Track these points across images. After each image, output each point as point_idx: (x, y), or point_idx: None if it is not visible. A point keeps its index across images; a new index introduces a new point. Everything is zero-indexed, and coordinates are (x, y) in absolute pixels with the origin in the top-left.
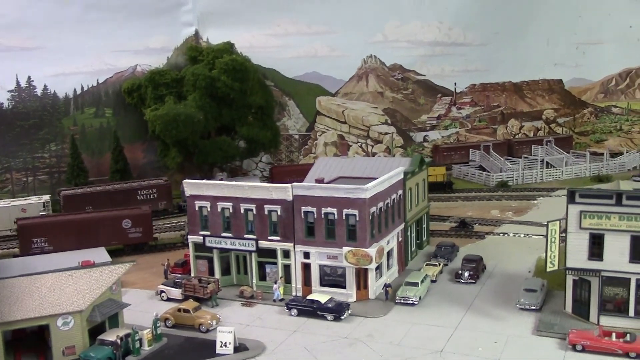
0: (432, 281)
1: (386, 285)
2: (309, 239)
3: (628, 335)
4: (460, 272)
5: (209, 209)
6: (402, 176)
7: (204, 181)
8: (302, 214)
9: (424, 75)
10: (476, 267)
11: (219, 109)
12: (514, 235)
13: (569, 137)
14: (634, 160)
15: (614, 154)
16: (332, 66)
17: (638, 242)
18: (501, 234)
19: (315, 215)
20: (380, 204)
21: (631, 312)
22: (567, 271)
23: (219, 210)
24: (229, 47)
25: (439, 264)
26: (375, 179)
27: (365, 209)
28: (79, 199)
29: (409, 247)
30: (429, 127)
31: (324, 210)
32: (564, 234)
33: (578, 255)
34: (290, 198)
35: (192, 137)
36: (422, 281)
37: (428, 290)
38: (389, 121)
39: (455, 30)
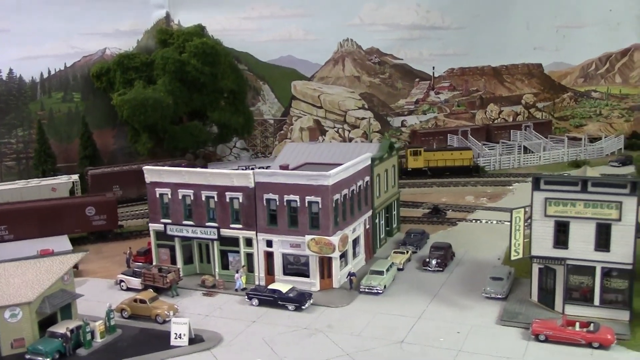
0: (399, 269)
1: (350, 274)
2: (272, 226)
3: (592, 324)
4: (427, 260)
5: (169, 197)
6: (369, 162)
7: (164, 167)
8: (265, 202)
9: (402, 60)
10: (444, 254)
11: (190, 93)
12: (486, 222)
13: (548, 122)
14: (612, 145)
15: (593, 139)
16: (307, 50)
17: (603, 229)
18: (473, 221)
19: (278, 203)
20: (345, 191)
21: (596, 301)
22: (532, 259)
23: (180, 197)
24: (199, 30)
25: (407, 252)
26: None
27: (328, 196)
28: (107, 178)
29: (378, 235)
30: (406, 112)
31: (286, 197)
32: (529, 222)
33: (543, 243)
34: (252, 185)
35: (161, 122)
36: (387, 270)
37: (394, 279)
38: (366, 106)
39: (434, 13)
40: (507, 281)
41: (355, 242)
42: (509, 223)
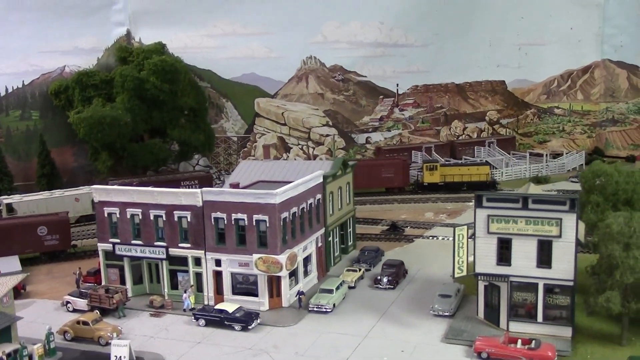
0: (351, 287)
1: (299, 293)
2: (220, 245)
3: (533, 341)
4: (379, 277)
5: (118, 216)
6: (320, 180)
7: (112, 187)
8: (213, 220)
9: (365, 77)
10: (396, 272)
11: (149, 111)
12: (443, 239)
13: (512, 138)
14: (573, 161)
15: (555, 155)
16: (270, 67)
17: (545, 246)
18: (430, 237)
19: (226, 222)
20: (294, 209)
21: (540, 318)
22: (476, 277)
23: (129, 216)
24: (160, 48)
25: (360, 270)
26: None
27: (276, 215)
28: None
29: (332, 252)
30: (371, 129)
31: (234, 216)
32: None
33: (487, 261)
34: (200, 204)
35: (120, 140)
36: (337, 288)
37: (345, 297)
38: (330, 123)
39: (397, 31)
40: (455, 298)
41: (307, 260)
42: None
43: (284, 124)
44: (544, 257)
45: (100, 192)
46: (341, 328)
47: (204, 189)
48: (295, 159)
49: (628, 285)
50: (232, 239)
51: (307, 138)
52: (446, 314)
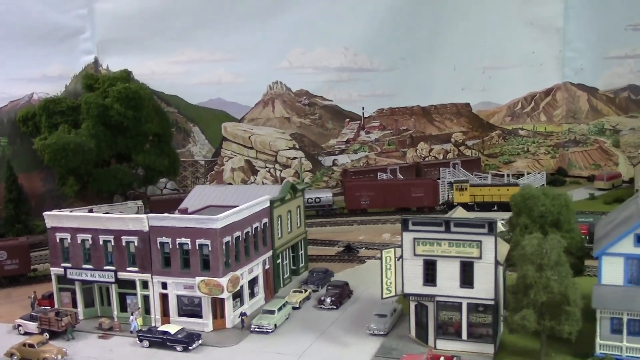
0: (296, 308)
1: (242, 314)
2: (166, 269)
3: (455, 358)
4: (323, 298)
5: (69, 241)
6: (267, 204)
7: (64, 212)
8: (159, 245)
9: (331, 101)
10: (340, 293)
11: (114, 137)
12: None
13: (477, 159)
14: (535, 182)
15: (518, 176)
16: (237, 92)
17: (467, 267)
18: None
19: (171, 246)
20: (238, 233)
21: (464, 336)
22: (404, 297)
23: (79, 242)
24: (125, 75)
25: (306, 291)
26: None
27: (217, 239)
28: (167, 205)
29: (281, 274)
30: (337, 151)
31: (178, 240)
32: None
33: (414, 281)
34: (146, 229)
35: (84, 165)
36: (279, 309)
37: (288, 318)
38: (297, 146)
39: (361, 56)
40: (391, 318)
41: (254, 282)
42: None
43: (251, 148)
44: (467, 277)
45: (52, 218)
46: (279, 348)
47: (150, 214)
48: (262, 182)
49: (543, 303)
50: (177, 262)
51: (274, 161)
52: (381, 332)
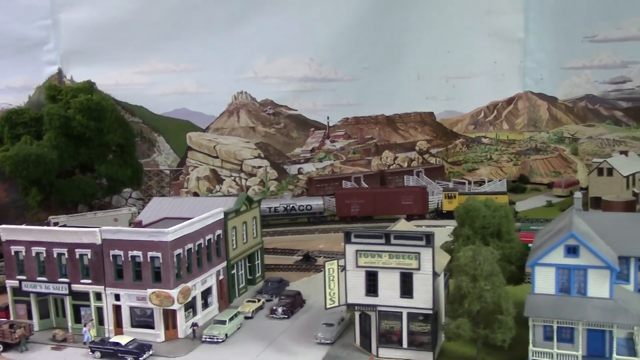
0: (248, 317)
1: (193, 324)
2: (119, 281)
3: None
4: (274, 307)
5: (24, 254)
6: (221, 216)
7: (18, 226)
8: (111, 257)
9: (296, 110)
10: (292, 302)
11: (76, 147)
12: None
13: (441, 167)
14: (496, 189)
15: (480, 183)
16: (202, 102)
17: (406, 278)
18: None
19: (123, 258)
20: (190, 245)
21: (405, 344)
22: (348, 307)
23: (34, 254)
24: (88, 86)
25: (259, 300)
26: None
27: (168, 252)
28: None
29: (236, 284)
30: (303, 160)
31: (130, 253)
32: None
33: (356, 292)
34: (99, 242)
35: (46, 176)
36: (231, 319)
37: (240, 327)
38: (262, 155)
39: (326, 66)
40: (338, 327)
41: (207, 292)
42: None
43: (216, 157)
44: (406, 288)
45: (6, 231)
46: (229, 357)
47: (103, 227)
48: (228, 190)
49: (478, 312)
50: (129, 274)
51: (240, 170)
52: (328, 341)
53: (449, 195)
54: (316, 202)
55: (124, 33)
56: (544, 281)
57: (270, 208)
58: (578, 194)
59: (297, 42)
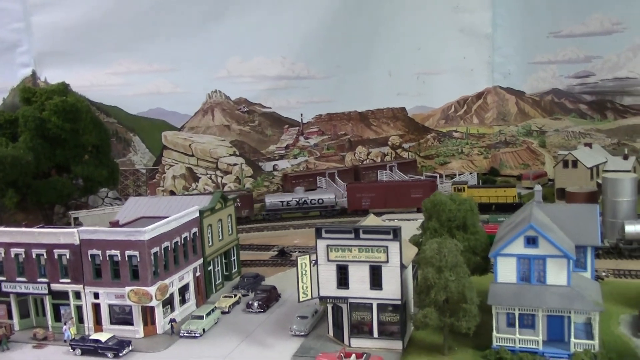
0: (225, 312)
1: (171, 320)
2: (97, 280)
3: (364, 355)
4: (250, 302)
5: (3, 255)
6: (196, 215)
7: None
8: (89, 257)
9: (270, 108)
10: (267, 296)
11: (52, 149)
12: None
13: (413, 161)
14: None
15: (452, 176)
16: (176, 102)
17: (375, 271)
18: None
19: (101, 258)
20: (167, 244)
21: (375, 334)
22: (320, 300)
23: (13, 255)
24: (62, 88)
25: (236, 295)
26: None
27: (146, 250)
28: None
29: (213, 280)
30: (278, 157)
31: (108, 252)
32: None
33: (328, 285)
34: (77, 242)
35: (22, 178)
36: (208, 314)
37: (217, 322)
38: (237, 152)
39: (299, 64)
40: (312, 319)
41: (184, 289)
42: None
43: (192, 155)
44: (376, 280)
45: None
46: (206, 351)
47: (81, 228)
48: (204, 188)
49: (444, 301)
50: (107, 273)
51: (215, 168)
52: (302, 333)
53: (458, 188)
54: (328, 196)
55: (98, 34)
56: (506, 271)
57: (282, 202)
58: (538, 187)
59: (270, 41)
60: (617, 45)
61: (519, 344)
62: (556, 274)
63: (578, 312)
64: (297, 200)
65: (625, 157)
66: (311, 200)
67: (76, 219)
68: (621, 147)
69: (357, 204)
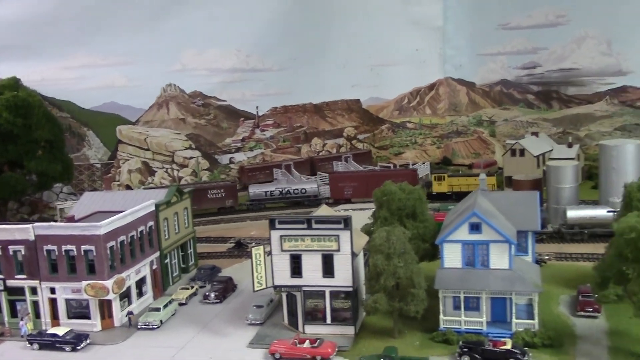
0: (182, 304)
1: (129, 313)
2: (54, 275)
3: (317, 340)
4: (207, 293)
5: None
6: (152, 209)
7: None
8: (45, 252)
9: (225, 101)
10: (224, 287)
11: (4, 145)
12: None
13: (368, 152)
14: (421, 171)
15: (405, 166)
16: (130, 96)
17: (327, 259)
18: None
19: (57, 253)
20: (122, 237)
21: (328, 320)
22: (275, 289)
23: None
24: (13, 83)
25: (193, 287)
26: None
27: (101, 244)
28: None
29: (170, 273)
30: (234, 150)
31: (64, 247)
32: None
33: (282, 274)
34: (32, 238)
35: None
36: (165, 306)
37: (174, 313)
38: (193, 146)
39: (253, 57)
40: (267, 308)
41: (141, 282)
42: None
43: (147, 149)
44: (328, 268)
45: None
46: (164, 342)
47: (36, 224)
48: (160, 182)
49: (393, 287)
50: (63, 268)
51: (171, 161)
52: (258, 322)
53: (439, 177)
54: (310, 186)
55: (49, 28)
56: (452, 256)
57: (266, 192)
58: (482, 176)
59: (224, 33)
60: (561, 37)
61: (465, 325)
62: (499, 259)
63: (519, 293)
64: (281, 190)
65: (570, 145)
66: (294, 190)
67: (62, 210)
68: (566, 135)
69: (340, 194)
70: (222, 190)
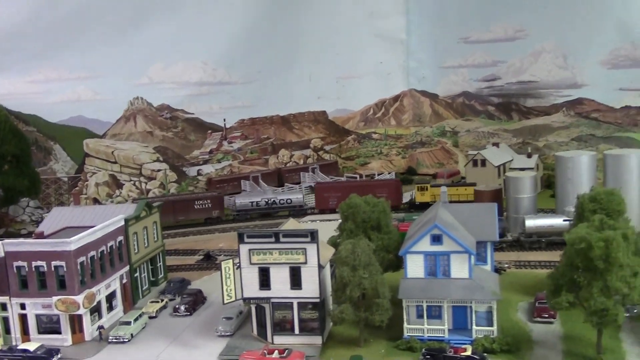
0: (152, 317)
1: (99, 327)
2: (24, 291)
3: (287, 350)
4: (177, 306)
5: None
6: (122, 223)
7: None
8: (15, 269)
9: (193, 114)
10: (194, 300)
11: None
12: None
13: (335, 163)
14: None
15: (372, 176)
16: (97, 109)
17: (295, 271)
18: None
19: (27, 269)
20: (93, 253)
21: (296, 330)
22: (244, 301)
23: None
24: None
25: (163, 300)
26: None
27: (72, 260)
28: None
29: (140, 286)
30: (202, 162)
31: (34, 263)
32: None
33: (251, 287)
34: (2, 254)
35: None
36: (135, 319)
37: (145, 327)
38: (161, 158)
39: (220, 70)
40: (237, 319)
41: (112, 296)
42: None
43: (115, 162)
44: (295, 280)
45: None
46: (135, 355)
47: (5, 240)
48: (128, 195)
49: (359, 297)
50: (34, 284)
51: (139, 174)
52: (228, 333)
53: (422, 187)
54: (296, 196)
55: (14, 42)
56: (414, 267)
57: (252, 202)
58: (444, 188)
59: (191, 47)
60: (520, 51)
61: (428, 333)
62: (459, 268)
63: (478, 302)
64: (267, 200)
65: (529, 156)
66: (280, 200)
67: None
68: (525, 145)
69: (325, 204)
70: (208, 201)
